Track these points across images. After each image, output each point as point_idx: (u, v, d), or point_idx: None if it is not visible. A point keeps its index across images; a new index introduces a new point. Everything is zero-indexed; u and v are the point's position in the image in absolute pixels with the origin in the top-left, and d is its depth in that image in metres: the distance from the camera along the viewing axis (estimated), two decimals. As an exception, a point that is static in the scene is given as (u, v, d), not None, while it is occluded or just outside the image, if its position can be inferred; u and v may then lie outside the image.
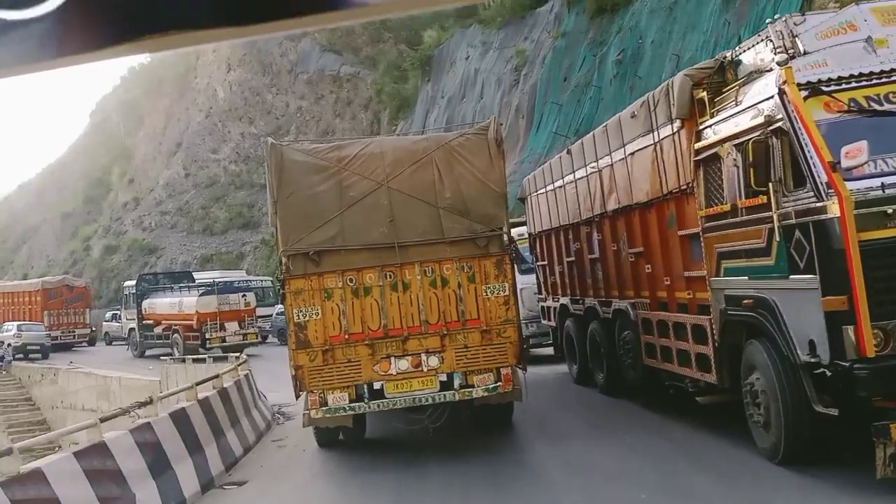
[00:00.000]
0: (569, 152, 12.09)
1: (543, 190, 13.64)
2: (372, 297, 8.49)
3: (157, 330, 28.29)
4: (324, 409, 8.36)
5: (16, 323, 34.43)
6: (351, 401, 8.39)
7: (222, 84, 62.58)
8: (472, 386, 8.41)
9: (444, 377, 8.45)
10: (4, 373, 30.50)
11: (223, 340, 25.47)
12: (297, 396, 8.79)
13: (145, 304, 29.32)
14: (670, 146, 8.44)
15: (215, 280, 29.56)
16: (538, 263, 14.63)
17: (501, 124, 9.95)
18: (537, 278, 14.77)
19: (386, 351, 8.46)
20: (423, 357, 8.45)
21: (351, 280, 8.50)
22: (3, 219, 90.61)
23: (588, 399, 11.69)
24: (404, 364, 8.43)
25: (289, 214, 8.63)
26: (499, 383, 8.39)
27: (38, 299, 36.93)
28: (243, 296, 27.03)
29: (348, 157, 8.88)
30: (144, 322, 29.12)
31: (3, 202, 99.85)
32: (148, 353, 28.66)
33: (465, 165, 8.76)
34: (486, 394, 8.43)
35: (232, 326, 25.90)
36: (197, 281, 30.85)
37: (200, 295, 26.42)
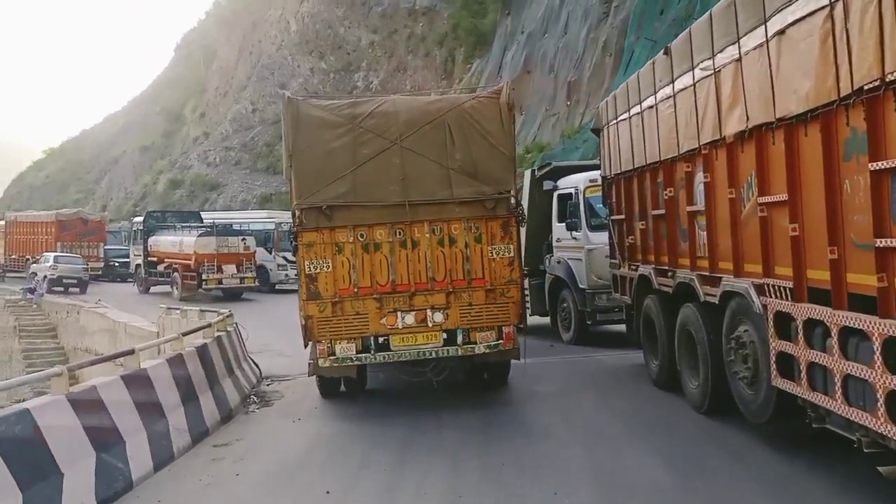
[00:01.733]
0: (667, 52, 8.14)
1: (626, 115, 9.75)
2: (381, 253, 8.70)
3: (160, 268, 28.29)
4: (331, 358, 8.63)
5: (52, 254, 32.65)
6: (357, 352, 8.65)
7: (295, 16, 59.98)
8: (475, 342, 8.71)
9: (447, 333, 8.70)
10: (35, 306, 28.46)
11: (220, 283, 25.73)
12: (306, 345, 9.00)
13: (151, 240, 29.10)
14: (866, 5, 4.51)
15: (215, 222, 29.14)
16: (613, 218, 10.81)
17: (513, 89, 9.74)
18: (610, 237, 10.98)
19: (393, 305, 8.67)
20: (429, 313, 8.69)
21: (362, 235, 8.70)
22: (90, 149, 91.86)
23: (672, 419, 7.91)
24: (410, 319, 8.67)
25: (303, 169, 8.75)
26: (500, 341, 8.72)
27: (52, 231, 36.53)
28: (243, 239, 26.73)
29: (363, 114, 8.91)
30: (149, 259, 29.02)
31: (90, 133, 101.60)
32: (152, 290, 28.86)
33: (476, 128, 8.84)
34: (487, 350, 8.76)
35: (230, 269, 25.74)
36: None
37: (199, 236, 26.15)
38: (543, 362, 11.37)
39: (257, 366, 11.81)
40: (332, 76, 54.32)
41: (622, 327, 11.66)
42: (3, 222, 41.04)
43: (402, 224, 8.71)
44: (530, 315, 12.37)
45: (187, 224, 29.09)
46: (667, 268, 8.52)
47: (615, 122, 10.30)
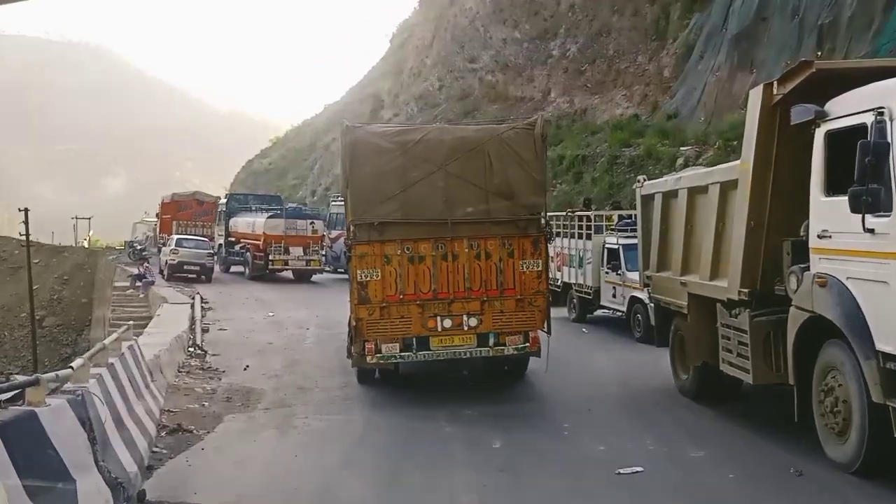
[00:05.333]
0: None
1: None
2: (425, 265, 9.61)
3: (237, 248, 29.20)
4: (378, 355, 9.57)
5: (175, 237, 29.47)
6: (400, 351, 9.58)
7: (492, -17, 54.46)
8: (504, 345, 9.69)
9: (480, 336, 9.63)
10: (142, 296, 24.47)
11: (286, 264, 26.77)
12: (353, 343, 10.04)
13: (232, 221, 30.05)
14: None
15: (287, 205, 30.62)
16: None
17: (547, 121, 11.00)
18: None
19: (434, 311, 9.58)
20: (465, 318, 9.59)
21: (408, 248, 9.60)
22: (307, 138, 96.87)
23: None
24: (448, 322, 9.57)
25: (358, 189, 9.83)
26: (526, 344, 9.74)
27: (170, 211, 37.00)
28: (311, 223, 27.28)
29: (412, 141, 9.95)
30: (229, 239, 29.98)
31: (311, 122, 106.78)
32: (232, 269, 29.64)
33: (512, 156, 9.79)
34: (515, 352, 9.80)
35: (296, 251, 26.40)
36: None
37: (268, 217, 27.02)
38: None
39: None
40: (526, 46, 48.33)
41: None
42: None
43: (445, 239, 9.64)
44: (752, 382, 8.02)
45: (265, 207, 29.99)
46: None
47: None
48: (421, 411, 9.15)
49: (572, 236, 16.74)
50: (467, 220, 9.61)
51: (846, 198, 5.91)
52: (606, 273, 15.22)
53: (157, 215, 41.01)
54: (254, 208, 30.14)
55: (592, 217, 16.39)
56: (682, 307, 9.21)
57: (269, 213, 27.75)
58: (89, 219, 75.16)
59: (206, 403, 9.61)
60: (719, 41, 29.75)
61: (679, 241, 9.24)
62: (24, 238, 51.97)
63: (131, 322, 10.58)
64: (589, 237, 16.04)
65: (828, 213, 6.43)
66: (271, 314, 18.56)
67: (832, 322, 6.27)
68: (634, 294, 13.99)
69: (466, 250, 9.59)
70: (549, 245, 10.16)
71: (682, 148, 26.94)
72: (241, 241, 28.82)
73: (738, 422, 8.22)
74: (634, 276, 13.22)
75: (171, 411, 9.06)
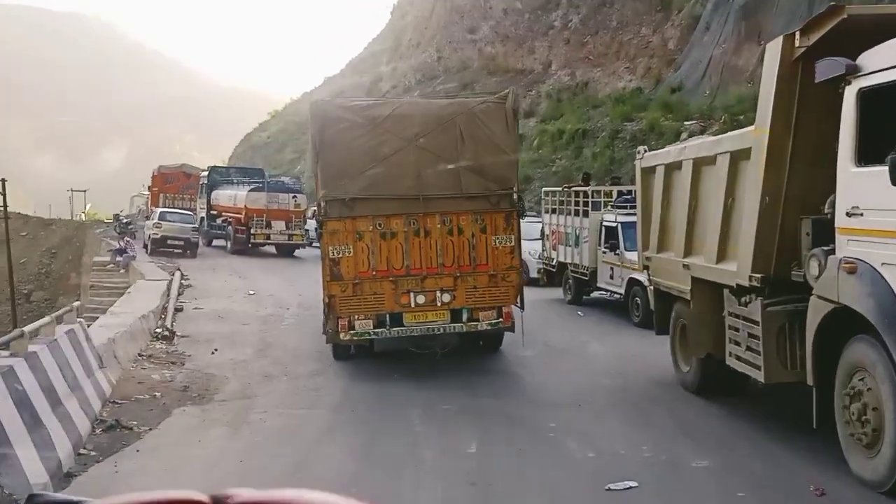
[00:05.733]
0: None
1: None
2: (397, 241, 9.54)
3: (219, 221, 28.72)
4: (351, 332, 9.50)
5: (158, 210, 28.81)
6: (374, 327, 9.51)
7: (494, -51, 52.94)
8: (478, 320, 9.68)
9: (454, 312, 9.62)
10: (122, 271, 23.51)
11: (267, 238, 25.97)
12: (327, 321, 9.86)
13: (213, 194, 29.37)
14: None
15: (269, 177, 29.81)
16: None
17: (518, 96, 11.02)
18: None
19: (407, 287, 9.52)
20: (438, 294, 9.56)
21: (380, 224, 9.52)
22: (307, 111, 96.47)
23: None
24: (422, 298, 9.52)
25: (328, 165, 9.69)
26: (500, 319, 9.70)
27: (157, 184, 36.40)
28: (294, 197, 26.42)
29: (382, 116, 9.81)
30: (211, 212, 29.36)
31: (310, 95, 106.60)
32: (214, 242, 28.98)
33: (484, 130, 9.72)
34: (489, 328, 9.81)
35: (278, 225, 25.76)
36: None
37: (250, 190, 26.42)
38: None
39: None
40: (527, 16, 47.03)
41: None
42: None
43: (417, 215, 9.55)
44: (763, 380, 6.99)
45: (246, 180, 29.48)
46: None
47: None
48: (392, 407, 8.17)
49: (569, 213, 15.74)
50: (439, 195, 9.53)
51: (884, 168, 4.94)
52: (604, 253, 14.25)
53: (148, 188, 40.49)
54: (235, 181, 29.55)
55: (590, 193, 15.35)
56: (685, 292, 8.24)
57: (251, 187, 27.13)
58: (84, 191, 74.34)
59: (159, 394, 8.68)
60: (726, 11, 28.60)
61: (682, 219, 8.22)
62: (16, 212, 51.06)
63: (77, 303, 9.71)
64: (586, 214, 15.05)
65: (859, 186, 5.45)
66: (252, 292, 17.65)
67: (862, 315, 5.33)
68: (633, 276, 13.05)
69: (439, 226, 9.56)
70: (520, 220, 10.10)
71: (686, 122, 25.93)
72: (223, 214, 28.36)
73: (747, 423, 7.29)
74: (633, 256, 12.33)
75: (117, 403, 8.17)
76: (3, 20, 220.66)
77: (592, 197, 15.21)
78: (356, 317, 9.42)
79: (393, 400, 8.50)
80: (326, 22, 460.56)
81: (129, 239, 24.81)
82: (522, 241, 19.50)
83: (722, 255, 7.25)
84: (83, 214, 62.07)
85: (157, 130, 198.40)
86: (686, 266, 8.09)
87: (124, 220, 34.70)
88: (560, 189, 16.67)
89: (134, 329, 11.24)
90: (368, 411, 8.11)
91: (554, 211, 16.50)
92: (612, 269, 14.06)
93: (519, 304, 9.83)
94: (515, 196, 9.87)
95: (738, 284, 6.90)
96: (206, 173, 32.10)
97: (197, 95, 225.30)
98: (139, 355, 10.80)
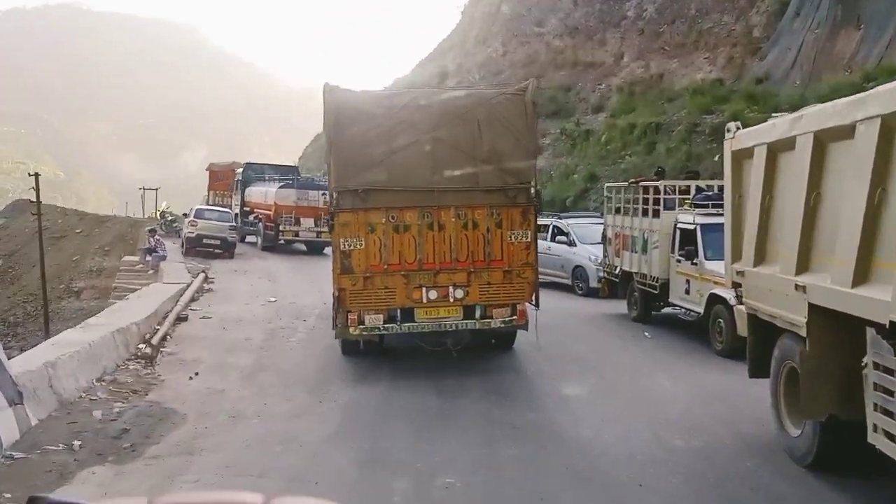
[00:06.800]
0: None
1: None
2: (410, 234, 9.27)
3: (251, 217, 28.55)
4: (361, 326, 9.24)
5: (196, 207, 27.27)
6: (384, 322, 9.28)
7: (564, -59, 50.26)
8: (491, 317, 9.39)
9: (467, 308, 9.34)
10: (152, 271, 21.81)
11: (296, 235, 25.75)
12: (336, 315, 9.54)
13: (247, 191, 29.20)
14: None
15: (298, 175, 29.73)
16: None
17: (538, 87, 11.01)
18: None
19: (419, 281, 9.25)
20: (451, 289, 9.29)
21: (393, 217, 9.24)
22: None
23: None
24: (434, 294, 9.26)
25: (342, 155, 9.37)
26: (514, 317, 9.43)
27: (206, 180, 36.37)
28: (323, 194, 24.68)
29: (399, 105, 9.64)
30: (244, 209, 29.16)
31: None
32: (247, 239, 28.61)
33: (502, 123, 9.43)
34: (502, 325, 9.49)
35: (307, 222, 25.47)
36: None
37: (279, 187, 26.10)
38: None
39: None
40: (598, 7, 44.28)
41: None
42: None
43: (431, 208, 9.23)
44: None
45: (279, 177, 28.99)
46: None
47: None
48: (381, 480, 5.93)
49: (636, 213, 13.17)
50: (455, 188, 9.24)
51: None
52: (678, 262, 11.69)
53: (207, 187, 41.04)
54: (268, 178, 29.25)
55: (662, 189, 12.73)
56: (798, 325, 5.71)
57: (281, 183, 26.71)
58: (156, 190, 74.97)
59: (79, 443, 6.57)
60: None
61: (796, 220, 5.67)
62: (73, 208, 50.76)
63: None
64: (657, 214, 12.47)
65: None
66: (273, 299, 15.67)
67: None
68: (715, 291, 10.50)
69: (453, 220, 9.28)
70: (538, 216, 9.86)
71: (773, 114, 22.90)
72: (255, 210, 28.24)
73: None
74: (716, 267, 9.93)
75: (12, 458, 6.15)
76: (93, 27, 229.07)
77: (665, 193, 12.62)
78: (366, 311, 9.19)
79: (385, 464, 6.21)
80: (398, 25, 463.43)
81: (159, 237, 23.24)
82: (582, 245, 17.43)
83: (863, 276, 4.71)
84: (158, 213, 62.48)
85: (235, 131, 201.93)
86: (801, 287, 5.55)
87: (169, 218, 33.55)
88: (626, 184, 14.08)
89: (97, 348, 9.28)
90: (344, 483, 5.82)
91: (618, 210, 13.95)
92: (688, 281, 11.50)
93: (534, 303, 9.53)
94: (533, 191, 9.54)
95: (892, 322, 4.39)
96: (240, 170, 31.83)
97: (272, 97, 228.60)
98: (98, 381, 8.83)
